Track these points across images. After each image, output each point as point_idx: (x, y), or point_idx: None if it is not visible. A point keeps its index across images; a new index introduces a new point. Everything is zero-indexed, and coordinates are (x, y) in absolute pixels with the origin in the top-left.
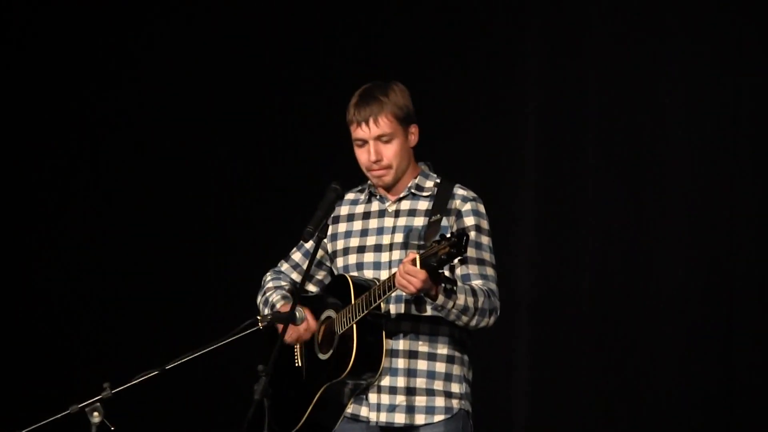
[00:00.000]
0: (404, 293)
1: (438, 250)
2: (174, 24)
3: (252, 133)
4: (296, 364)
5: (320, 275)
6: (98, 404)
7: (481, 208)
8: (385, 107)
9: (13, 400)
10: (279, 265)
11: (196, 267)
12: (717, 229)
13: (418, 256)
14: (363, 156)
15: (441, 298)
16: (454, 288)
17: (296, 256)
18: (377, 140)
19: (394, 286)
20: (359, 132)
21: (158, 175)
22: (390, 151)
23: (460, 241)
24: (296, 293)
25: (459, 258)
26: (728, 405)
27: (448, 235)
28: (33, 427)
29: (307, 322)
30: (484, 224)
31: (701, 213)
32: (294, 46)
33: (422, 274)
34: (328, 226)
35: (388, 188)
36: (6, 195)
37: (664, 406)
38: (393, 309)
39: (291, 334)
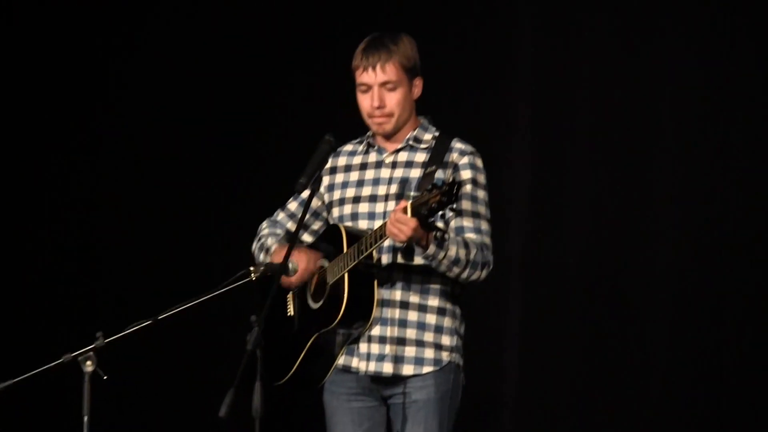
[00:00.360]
0: (395, 242)
1: (429, 198)
2: (172, 21)
3: (251, 91)
4: (288, 314)
5: (316, 226)
6: (91, 353)
7: (479, 162)
8: (394, 55)
9: (6, 350)
10: (275, 214)
11: (190, 217)
12: (708, 196)
13: (409, 204)
14: (365, 102)
15: (432, 248)
16: (446, 238)
17: (292, 205)
18: (382, 87)
19: (385, 234)
20: (365, 77)
21: (152, 132)
22: (393, 99)
23: (451, 189)
24: (290, 244)
25: (450, 207)
26: (718, 368)
27: (440, 184)
28: (26, 375)
29: (306, 263)
30: (481, 178)
31: (693, 181)
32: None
33: (413, 222)
34: (321, 177)
35: (387, 137)
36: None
37: (654, 364)
38: (385, 259)
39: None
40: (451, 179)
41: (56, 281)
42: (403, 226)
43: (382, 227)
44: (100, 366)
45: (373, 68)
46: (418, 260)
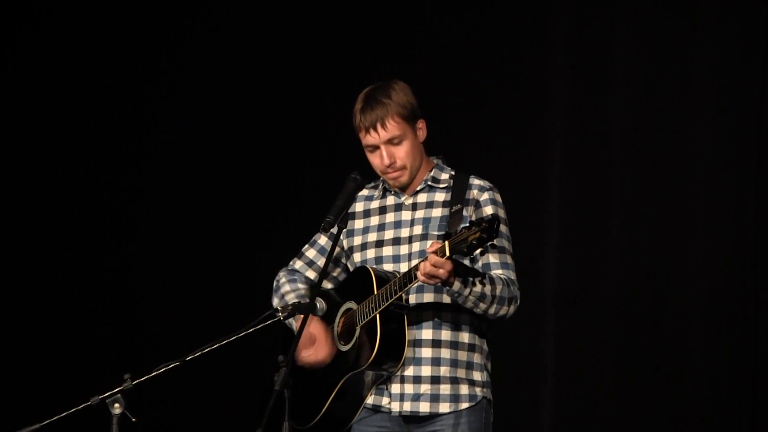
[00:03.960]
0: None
1: (468, 235)
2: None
3: (270, 129)
4: None
5: (335, 272)
6: (119, 395)
7: (498, 197)
8: (390, 109)
9: (35, 392)
10: (291, 263)
11: (217, 259)
12: (742, 223)
13: (447, 243)
14: (376, 160)
15: (458, 285)
16: (471, 277)
17: (310, 252)
18: (388, 144)
19: (416, 277)
20: (368, 138)
21: (176, 168)
22: (402, 152)
23: (491, 225)
24: (317, 285)
25: (491, 242)
26: (752, 405)
27: (478, 221)
28: (54, 418)
29: (322, 338)
30: (502, 213)
31: (726, 207)
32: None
33: (449, 265)
34: (348, 216)
35: (404, 187)
36: (25, 184)
37: (689, 401)
38: (413, 299)
39: (309, 354)
40: (489, 216)
41: (84, 324)
42: (440, 269)
43: (414, 270)
44: (129, 408)
45: (374, 128)
46: (447, 298)
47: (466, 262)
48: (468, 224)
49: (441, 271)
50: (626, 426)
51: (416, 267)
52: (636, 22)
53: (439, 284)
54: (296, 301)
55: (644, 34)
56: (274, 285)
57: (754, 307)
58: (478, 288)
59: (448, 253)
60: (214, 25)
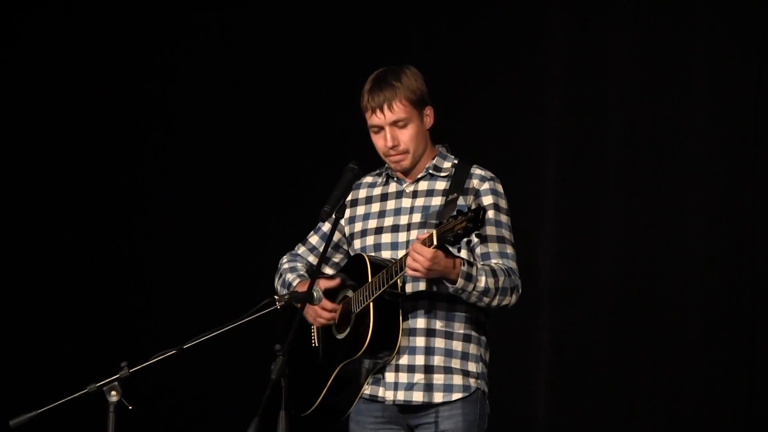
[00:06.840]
0: (420, 278)
1: (455, 225)
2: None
3: (273, 120)
4: (313, 345)
5: (337, 258)
6: (116, 383)
7: (499, 187)
8: (399, 92)
9: (32, 380)
10: (296, 248)
11: (215, 246)
12: (739, 216)
13: (434, 232)
14: (380, 142)
15: (461, 282)
16: (473, 271)
17: (313, 239)
18: (393, 126)
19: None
20: (374, 119)
21: (177, 158)
22: (406, 136)
23: (476, 215)
24: (313, 274)
25: (476, 233)
26: (748, 394)
27: (465, 210)
28: (51, 405)
29: (326, 303)
30: (503, 203)
31: (723, 199)
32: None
33: (429, 253)
34: (345, 206)
35: (406, 172)
36: (28, 173)
37: (685, 396)
38: (409, 288)
39: (311, 313)
40: (474, 205)
41: (82, 311)
42: (419, 256)
43: (404, 258)
44: (125, 396)
45: (381, 109)
46: (442, 287)
47: (464, 252)
48: (455, 213)
49: (420, 258)
50: (621, 419)
51: (406, 255)
52: (633, 20)
53: (445, 281)
54: (294, 276)
55: (641, 31)
56: (278, 266)
57: (751, 301)
58: (481, 283)
59: (435, 243)
60: (213, 21)
